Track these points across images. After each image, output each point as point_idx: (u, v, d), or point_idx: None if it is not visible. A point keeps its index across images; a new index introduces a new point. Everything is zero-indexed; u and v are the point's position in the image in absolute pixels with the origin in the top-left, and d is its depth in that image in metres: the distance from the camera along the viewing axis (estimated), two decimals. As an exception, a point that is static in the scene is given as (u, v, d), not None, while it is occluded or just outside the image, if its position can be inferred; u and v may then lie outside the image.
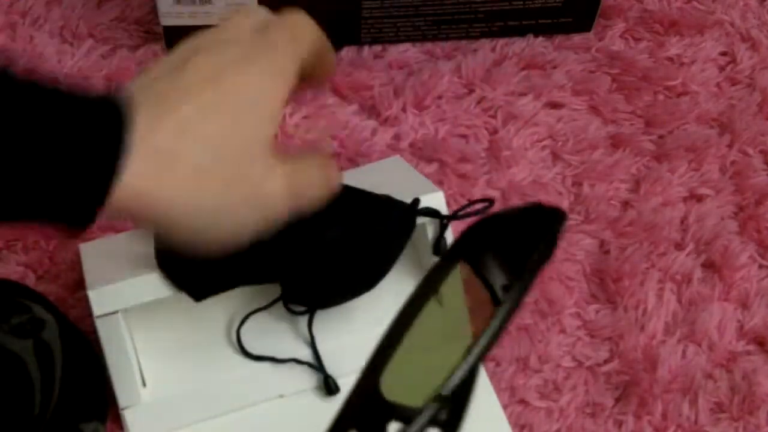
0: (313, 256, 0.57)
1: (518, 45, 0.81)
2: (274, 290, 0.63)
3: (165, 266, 0.59)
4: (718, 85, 0.81)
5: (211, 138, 0.39)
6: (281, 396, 0.63)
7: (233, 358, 0.64)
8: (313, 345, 0.64)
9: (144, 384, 0.62)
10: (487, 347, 0.37)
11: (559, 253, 0.72)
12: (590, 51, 0.81)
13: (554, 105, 0.79)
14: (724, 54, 0.83)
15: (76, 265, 0.68)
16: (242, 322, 0.64)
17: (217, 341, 0.65)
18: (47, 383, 0.59)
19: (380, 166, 0.72)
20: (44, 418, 0.58)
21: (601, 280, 0.72)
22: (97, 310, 0.58)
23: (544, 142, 0.77)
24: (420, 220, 0.62)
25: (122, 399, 0.61)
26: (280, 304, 0.64)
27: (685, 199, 0.76)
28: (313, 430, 0.42)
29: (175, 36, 0.76)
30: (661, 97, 0.80)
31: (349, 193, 0.58)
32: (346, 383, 0.63)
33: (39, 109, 0.35)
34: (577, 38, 0.82)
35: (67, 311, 0.67)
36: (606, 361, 0.69)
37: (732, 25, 0.83)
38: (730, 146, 0.78)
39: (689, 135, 0.78)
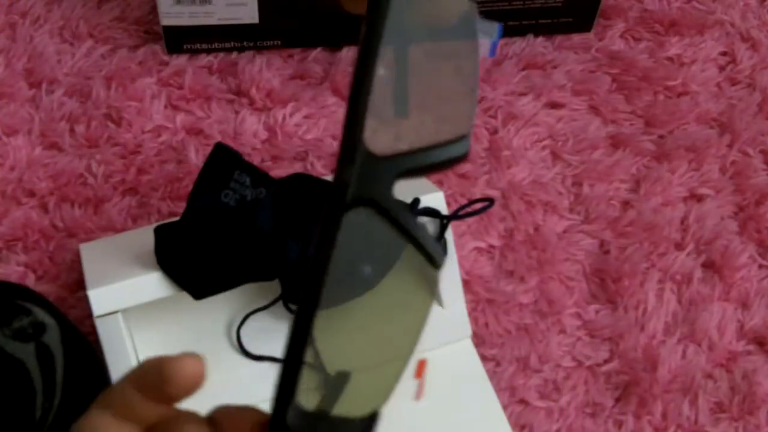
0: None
1: (518, 45, 0.81)
2: (274, 290, 0.63)
3: (165, 266, 0.59)
4: (718, 85, 0.81)
5: None
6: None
7: (233, 358, 0.64)
8: (313, 345, 0.64)
9: (144, 384, 0.62)
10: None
11: (559, 253, 0.72)
12: (590, 51, 0.81)
13: (554, 105, 0.79)
14: (724, 54, 0.83)
15: (76, 265, 0.68)
16: (242, 322, 0.64)
17: (217, 341, 0.65)
18: (49, 387, 0.59)
19: (380, 166, 0.72)
20: (46, 422, 0.58)
21: (601, 280, 0.72)
22: (97, 310, 0.58)
23: (544, 142, 0.77)
24: (420, 220, 0.62)
25: (122, 399, 0.61)
26: (280, 304, 0.64)
27: (685, 199, 0.76)
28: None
29: (175, 36, 0.76)
30: (661, 97, 0.80)
31: None
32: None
33: None
34: (577, 38, 0.82)
35: (67, 311, 0.67)
36: (606, 361, 0.69)
37: (732, 25, 0.83)
38: (730, 146, 0.78)
39: (689, 135, 0.78)
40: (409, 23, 0.31)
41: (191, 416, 0.33)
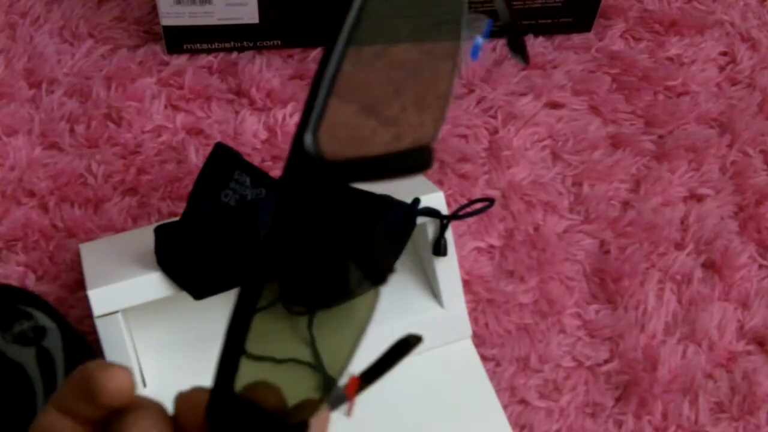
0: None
1: (518, 45, 0.81)
2: (274, 290, 0.63)
3: (165, 266, 0.59)
4: (718, 85, 0.81)
5: None
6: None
7: (233, 358, 0.64)
8: (313, 345, 0.64)
9: (144, 384, 0.62)
10: None
11: (559, 253, 0.72)
12: (590, 51, 0.81)
13: (554, 105, 0.79)
14: (724, 54, 0.83)
15: (76, 265, 0.68)
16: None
17: (217, 341, 0.65)
18: (50, 391, 0.59)
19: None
20: None
21: (601, 280, 0.72)
22: (97, 310, 0.58)
23: (544, 142, 0.77)
24: (420, 219, 0.62)
25: (122, 399, 0.61)
26: (280, 304, 0.64)
27: (685, 199, 0.76)
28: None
29: (175, 36, 0.76)
30: (661, 97, 0.80)
31: (349, 192, 0.58)
32: (346, 383, 0.63)
33: None
34: (577, 38, 0.82)
35: (67, 311, 0.67)
36: (606, 361, 0.69)
37: (732, 25, 0.83)
38: (730, 146, 0.78)
39: (689, 135, 0.78)
40: (387, 18, 0.30)
41: (149, 407, 0.34)
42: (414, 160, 0.31)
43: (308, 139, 0.28)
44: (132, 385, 0.33)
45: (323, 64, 0.28)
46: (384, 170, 0.30)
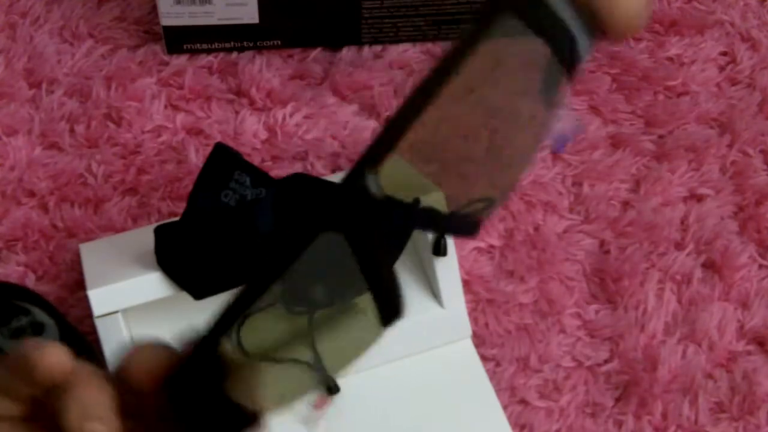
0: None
1: (518, 45, 0.81)
2: (273, 290, 0.63)
3: (165, 266, 0.59)
4: (718, 85, 0.81)
5: None
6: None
7: (233, 358, 0.64)
8: (313, 345, 0.64)
9: (144, 384, 0.62)
10: None
11: (559, 253, 0.72)
12: (590, 51, 0.81)
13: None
14: (724, 54, 0.83)
15: (76, 265, 0.68)
16: (242, 322, 0.64)
17: (217, 341, 0.65)
18: None
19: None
20: None
21: (601, 280, 0.72)
22: (97, 310, 0.58)
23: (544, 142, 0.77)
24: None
25: (122, 399, 0.61)
26: (280, 304, 0.64)
27: (685, 199, 0.76)
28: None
29: (175, 36, 0.76)
30: (661, 97, 0.80)
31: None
32: (346, 383, 0.63)
33: None
34: (577, 38, 0.82)
35: (67, 311, 0.67)
36: (606, 361, 0.69)
37: (732, 25, 0.83)
38: (730, 146, 0.78)
39: (689, 135, 0.78)
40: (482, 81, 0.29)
41: (87, 381, 0.34)
42: (464, 229, 0.31)
43: (371, 180, 0.28)
44: (65, 361, 0.33)
45: (398, 116, 0.27)
46: (434, 227, 0.30)
